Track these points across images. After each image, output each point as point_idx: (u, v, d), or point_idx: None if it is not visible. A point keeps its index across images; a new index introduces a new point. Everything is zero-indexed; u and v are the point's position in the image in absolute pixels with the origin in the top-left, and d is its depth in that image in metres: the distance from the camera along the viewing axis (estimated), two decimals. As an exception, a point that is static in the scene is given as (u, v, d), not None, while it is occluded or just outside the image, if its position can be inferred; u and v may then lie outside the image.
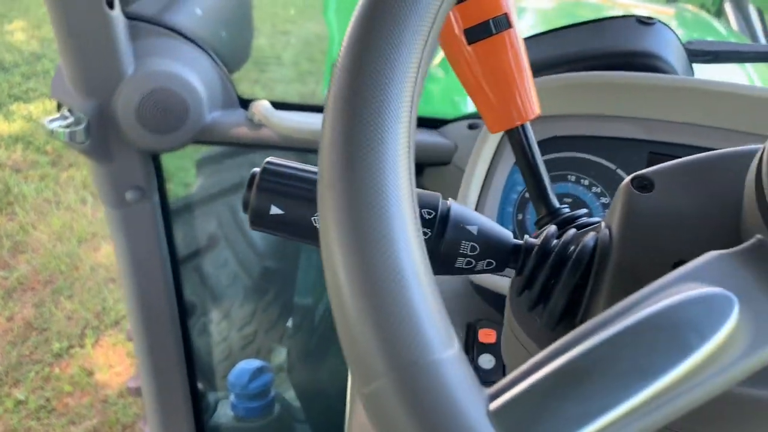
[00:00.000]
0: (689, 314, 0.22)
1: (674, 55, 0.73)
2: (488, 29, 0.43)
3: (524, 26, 1.60)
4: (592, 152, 0.66)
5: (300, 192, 0.35)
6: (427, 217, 0.36)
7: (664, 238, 0.34)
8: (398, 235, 0.23)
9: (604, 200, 0.65)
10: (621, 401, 0.20)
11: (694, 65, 0.81)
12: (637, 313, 0.23)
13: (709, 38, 1.46)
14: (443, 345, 0.22)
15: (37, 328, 2.25)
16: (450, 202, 0.37)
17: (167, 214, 0.98)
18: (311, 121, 0.83)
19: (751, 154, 0.35)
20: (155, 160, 0.93)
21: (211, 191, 1.58)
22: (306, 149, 0.90)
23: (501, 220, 0.66)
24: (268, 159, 0.36)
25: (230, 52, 1.05)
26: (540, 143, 0.67)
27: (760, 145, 0.34)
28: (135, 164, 0.87)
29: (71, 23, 0.74)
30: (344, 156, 0.25)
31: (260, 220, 0.36)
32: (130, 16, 0.81)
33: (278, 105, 0.89)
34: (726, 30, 1.44)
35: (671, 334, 0.22)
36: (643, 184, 0.36)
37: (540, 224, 0.46)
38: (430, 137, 0.87)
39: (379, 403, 0.21)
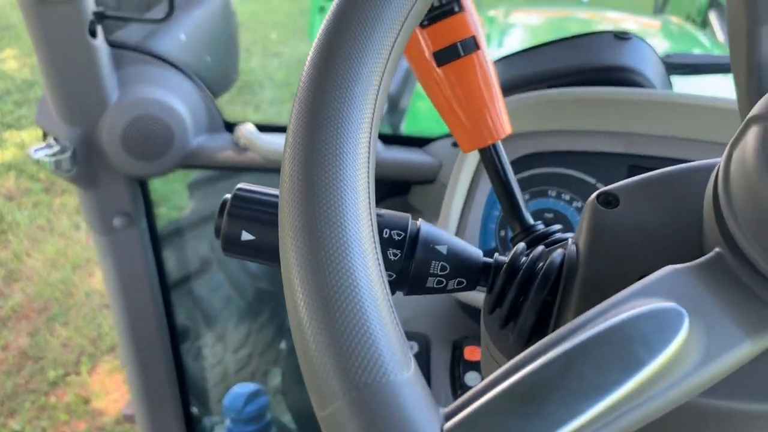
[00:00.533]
0: (639, 329, 0.22)
1: (651, 69, 0.74)
2: (456, 52, 0.44)
3: (514, 42, 1.62)
4: (572, 167, 0.67)
5: (271, 218, 0.36)
6: (397, 238, 0.36)
7: (629, 253, 0.34)
8: (355, 258, 0.24)
9: (586, 214, 0.66)
10: (573, 417, 0.20)
11: (675, 78, 0.82)
12: (591, 329, 0.23)
13: (694, 49, 1.47)
14: (399, 367, 0.22)
15: (32, 357, 2.23)
16: (419, 222, 0.38)
17: (156, 239, 0.98)
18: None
19: (711, 167, 0.35)
20: (142, 185, 0.93)
21: (203, 214, 1.58)
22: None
23: (483, 237, 0.66)
24: (239, 185, 0.37)
25: (215, 76, 1.06)
26: (520, 159, 0.68)
27: (720, 159, 0.34)
28: (122, 190, 0.88)
29: (55, 53, 0.75)
30: (303, 182, 0.26)
31: (232, 246, 0.36)
32: (113, 45, 0.82)
33: (263, 127, 0.90)
34: (710, 41, 1.46)
35: (621, 350, 0.22)
36: (608, 200, 0.36)
37: (515, 241, 0.46)
38: (415, 156, 0.88)
39: (335, 425, 0.21)
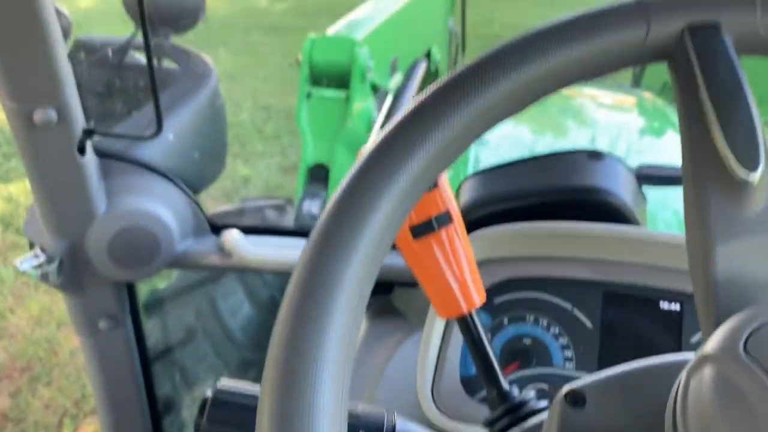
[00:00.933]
0: None
1: (624, 188, 0.76)
2: (431, 226, 0.46)
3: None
4: (548, 292, 0.68)
5: (249, 422, 0.37)
6: (371, 440, 0.38)
7: None
8: None
9: (562, 341, 0.67)
10: None
11: (648, 188, 0.85)
12: None
13: (667, 127, 1.52)
14: None
15: (13, 419, 2.20)
16: (395, 420, 0.39)
17: (141, 336, 0.98)
18: (279, 252, 0.85)
19: (675, 369, 0.37)
20: (129, 285, 0.94)
21: (189, 282, 1.58)
22: (277, 272, 0.92)
23: (464, 362, 0.68)
24: (219, 385, 0.38)
25: (203, 170, 1.08)
26: (499, 284, 0.70)
27: (687, 357, 0.36)
28: (108, 294, 0.89)
29: (44, 171, 0.76)
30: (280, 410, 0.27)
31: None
32: (101, 154, 0.83)
33: (249, 230, 0.92)
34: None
35: None
36: (575, 400, 0.38)
37: (492, 406, 0.48)
38: (399, 259, 0.89)
39: None
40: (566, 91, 1.79)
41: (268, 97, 3.60)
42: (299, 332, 0.30)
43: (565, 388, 0.38)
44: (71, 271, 0.83)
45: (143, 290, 1.30)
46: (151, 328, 1.34)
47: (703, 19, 0.36)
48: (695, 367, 0.32)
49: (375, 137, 0.35)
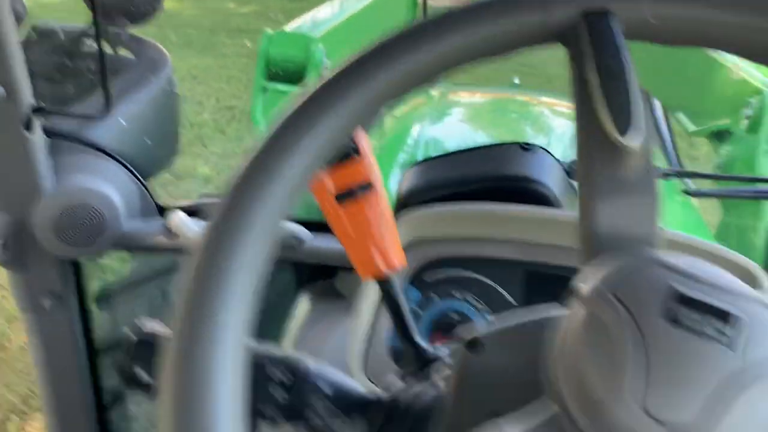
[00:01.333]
0: None
1: (552, 178, 0.81)
2: (354, 193, 0.49)
3: (458, 119, 1.71)
4: (474, 271, 0.73)
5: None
6: (284, 379, 0.41)
7: (483, 393, 0.39)
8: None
9: (487, 317, 0.72)
10: None
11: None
12: None
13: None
14: None
15: (-43, 416, 2.15)
16: (307, 363, 0.42)
17: (86, 314, 0.99)
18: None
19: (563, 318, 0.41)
20: (74, 262, 0.95)
21: (142, 275, 1.58)
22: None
23: (393, 334, 0.71)
24: (146, 328, 0.40)
25: (154, 157, 1.10)
26: (429, 263, 0.74)
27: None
28: (52, 272, 0.90)
29: (-11, 145, 0.77)
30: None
31: (133, 384, 0.40)
32: (50, 134, 0.85)
33: (194, 212, 0.94)
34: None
35: None
36: (474, 345, 0.42)
37: (406, 363, 0.51)
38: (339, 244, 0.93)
39: None
40: (525, 99, 1.86)
41: (232, 99, 3.60)
42: (202, 278, 0.33)
43: (465, 334, 0.42)
44: (16, 247, 0.84)
45: (96, 285, 1.30)
46: (103, 320, 1.34)
47: (596, 6, 0.40)
48: (572, 309, 0.36)
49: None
